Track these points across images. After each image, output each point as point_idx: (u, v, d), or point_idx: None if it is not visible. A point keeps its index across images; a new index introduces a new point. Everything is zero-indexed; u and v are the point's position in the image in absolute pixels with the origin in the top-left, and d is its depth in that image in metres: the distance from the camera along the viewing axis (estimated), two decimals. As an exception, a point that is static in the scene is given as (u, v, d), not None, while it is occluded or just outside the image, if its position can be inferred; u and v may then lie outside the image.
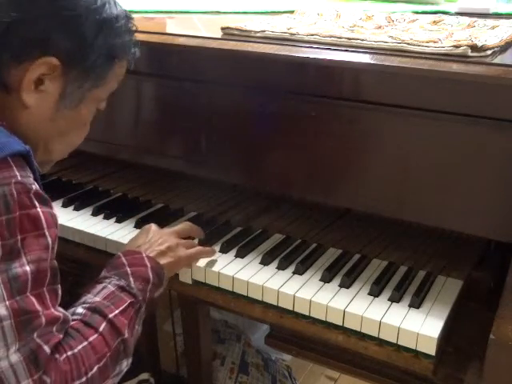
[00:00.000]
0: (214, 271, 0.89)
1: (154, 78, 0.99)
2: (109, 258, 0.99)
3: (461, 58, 0.79)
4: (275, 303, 0.85)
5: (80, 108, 0.75)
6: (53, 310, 0.65)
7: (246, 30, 0.96)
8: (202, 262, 0.91)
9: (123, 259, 0.82)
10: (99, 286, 0.77)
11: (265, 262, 0.91)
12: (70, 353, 0.66)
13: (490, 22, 1.00)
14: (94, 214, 1.07)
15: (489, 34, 0.89)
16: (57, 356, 0.64)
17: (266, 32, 0.94)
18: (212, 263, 0.91)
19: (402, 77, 0.78)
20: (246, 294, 0.87)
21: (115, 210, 1.07)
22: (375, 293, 0.83)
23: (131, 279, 0.79)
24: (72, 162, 1.30)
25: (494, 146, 0.74)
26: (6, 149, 0.62)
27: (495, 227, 0.77)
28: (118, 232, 1.01)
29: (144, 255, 0.83)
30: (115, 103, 1.07)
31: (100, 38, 0.72)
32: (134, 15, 1.21)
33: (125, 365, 0.73)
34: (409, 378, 0.81)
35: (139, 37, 1.01)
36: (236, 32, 0.96)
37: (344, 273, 0.87)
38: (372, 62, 0.81)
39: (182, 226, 0.95)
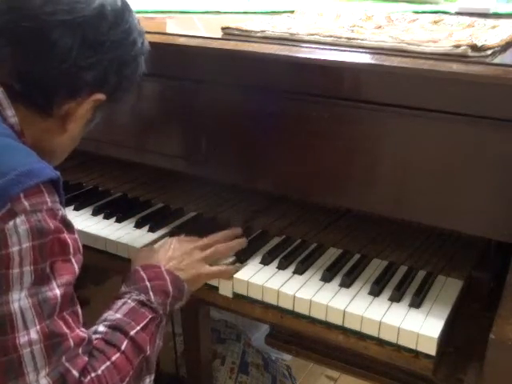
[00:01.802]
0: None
1: (154, 78, 0.98)
2: (109, 258, 1.00)
3: (461, 57, 0.79)
4: (275, 303, 0.85)
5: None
6: (78, 331, 0.66)
7: (246, 30, 0.96)
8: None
9: (142, 273, 0.81)
10: (119, 302, 0.77)
11: (265, 261, 0.91)
12: (93, 374, 0.66)
13: (490, 21, 1.00)
14: (94, 213, 1.07)
15: (489, 34, 0.89)
16: (82, 379, 0.65)
17: (266, 32, 0.94)
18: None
19: (402, 77, 0.78)
20: (246, 294, 0.87)
21: (115, 210, 1.07)
22: (375, 293, 0.83)
23: (151, 293, 0.79)
24: (72, 162, 1.30)
25: (494, 145, 0.74)
26: (42, 175, 0.63)
27: (495, 227, 0.77)
28: (118, 232, 1.01)
29: (163, 269, 0.82)
30: (115, 103, 1.07)
31: (134, 72, 0.78)
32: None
33: (147, 381, 0.74)
34: (409, 378, 0.81)
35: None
36: (236, 32, 0.96)
37: (344, 273, 0.87)
38: (372, 62, 0.81)
39: (216, 242, 0.92)
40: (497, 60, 0.80)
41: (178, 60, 0.96)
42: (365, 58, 0.82)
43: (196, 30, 1.13)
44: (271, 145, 0.92)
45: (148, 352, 0.74)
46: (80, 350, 0.65)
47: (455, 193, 0.79)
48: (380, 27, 0.97)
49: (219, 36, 0.97)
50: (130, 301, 0.77)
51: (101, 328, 0.73)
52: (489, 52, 0.81)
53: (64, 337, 0.63)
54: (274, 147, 0.92)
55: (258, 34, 0.95)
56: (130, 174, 1.22)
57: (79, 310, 0.68)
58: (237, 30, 0.96)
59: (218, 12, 1.26)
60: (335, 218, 1.04)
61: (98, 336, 0.71)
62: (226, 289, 0.89)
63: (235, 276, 0.88)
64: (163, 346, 0.81)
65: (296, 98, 0.87)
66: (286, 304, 0.84)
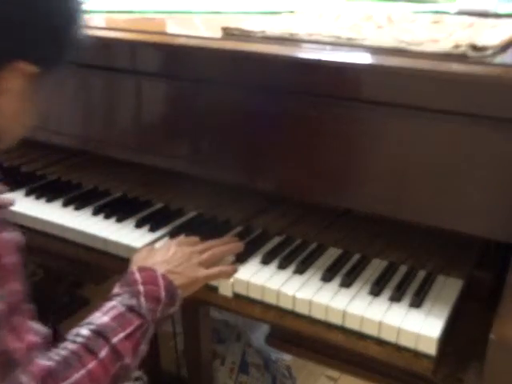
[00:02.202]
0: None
1: (154, 78, 0.99)
2: (109, 258, 1.00)
3: (461, 57, 0.79)
4: (275, 303, 0.85)
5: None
6: (29, 336, 0.64)
7: (246, 30, 0.96)
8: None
9: (137, 276, 0.81)
10: (109, 305, 0.77)
11: (265, 261, 0.91)
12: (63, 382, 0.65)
13: (490, 21, 1.00)
14: (94, 213, 1.07)
15: (489, 34, 0.89)
16: None
17: (266, 32, 0.94)
18: (212, 263, 0.91)
19: (402, 77, 0.78)
20: (246, 294, 0.87)
21: (115, 210, 1.07)
22: (375, 292, 0.83)
23: (142, 299, 0.78)
24: (72, 162, 1.30)
25: (494, 145, 0.74)
26: None
27: (495, 227, 0.77)
28: (118, 232, 1.01)
29: (158, 274, 0.82)
30: (115, 103, 1.07)
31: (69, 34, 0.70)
32: (134, 15, 1.22)
33: None
34: (409, 378, 0.81)
35: (139, 37, 1.02)
36: (236, 32, 0.96)
37: (344, 272, 0.87)
38: (372, 62, 0.82)
39: (214, 247, 0.92)
40: (497, 60, 0.80)
41: (178, 60, 0.96)
42: (365, 58, 0.82)
43: (196, 29, 1.13)
44: (271, 145, 0.92)
45: (128, 361, 0.73)
46: (34, 354, 0.64)
47: (455, 193, 0.79)
48: (380, 27, 0.97)
49: (219, 36, 0.97)
50: (119, 305, 0.76)
51: (84, 331, 0.72)
52: (489, 52, 0.81)
53: (13, 349, 0.62)
54: (274, 147, 0.92)
55: (258, 34, 0.95)
56: (130, 174, 1.22)
57: (30, 308, 0.66)
58: (237, 30, 0.96)
59: (218, 12, 1.26)
60: (335, 217, 1.04)
61: (79, 340, 0.71)
62: (226, 289, 0.89)
63: (235, 276, 0.88)
64: (164, 345, 0.81)
65: (296, 98, 0.87)
66: (285, 304, 0.84)
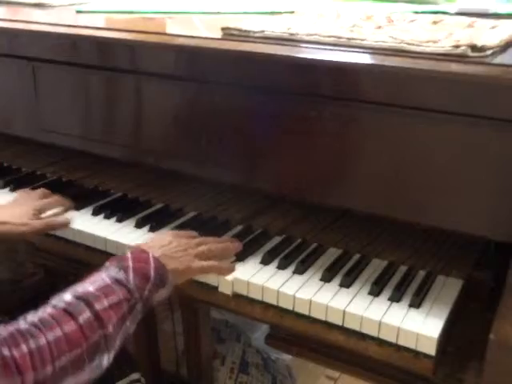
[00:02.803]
0: (214, 271, 0.89)
1: (153, 78, 0.99)
2: (109, 258, 1.00)
3: (461, 58, 0.79)
4: (275, 303, 0.85)
5: None
6: None
7: (246, 30, 0.96)
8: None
9: (128, 254, 0.81)
10: (96, 275, 0.76)
11: (265, 261, 0.91)
12: (33, 341, 0.65)
13: (490, 21, 1.00)
14: (94, 213, 1.08)
15: (489, 34, 0.89)
16: (5, 353, 0.63)
17: (266, 32, 0.94)
18: (212, 263, 0.91)
19: (402, 77, 0.78)
20: (246, 294, 0.87)
21: (115, 210, 1.07)
22: (375, 292, 0.83)
23: (131, 273, 0.77)
24: (72, 162, 1.30)
25: (494, 145, 0.74)
26: None
27: (495, 227, 0.77)
28: (118, 232, 1.01)
29: (150, 255, 0.82)
30: (115, 103, 1.07)
31: None
32: (133, 15, 1.22)
33: (105, 359, 0.71)
34: (409, 378, 0.81)
35: (139, 37, 1.02)
36: (236, 32, 0.96)
37: (344, 273, 0.87)
38: (372, 62, 0.82)
39: (211, 242, 0.93)
40: (497, 60, 0.80)
41: (178, 60, 0.96)
42: (365, 58, 0.82)
43: (196, 29, 1.13)
44: (271, 145, 0.92)
45: (109, 330, 0.71)
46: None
47: (455, 193, 0.79)
48: (380, 27, 0.97)
49: (219, 36, 0.97)
50: (106, 277, 0.76)
51: (67, 297, 0.71)
52: (489, 52, 0.81)
53: None
54: (274, 147, 0.92)
55: (258, 34, 0.95)
56: (130, 174, 1.22)
57: None
58: (237, 30, 0.96)
59: (218, 12, 1.26)
60: (335, 217, 1.04)
61: (60, 305, 0.70)
62: (225, 288, 0.89)
63: (235, 276, 0.88)
64: (164, 345, 0.81)
65: (296, 98, 0.87)
66: (285, 304, 0.84)
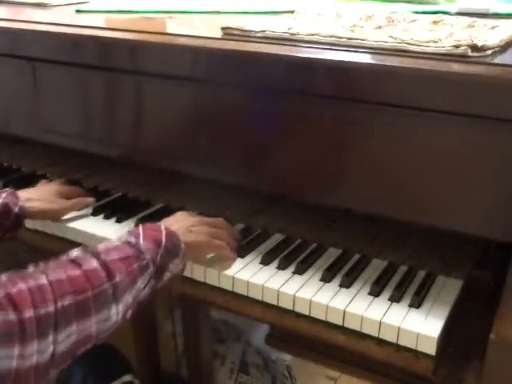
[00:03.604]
0: (215, 271, 0.89)
1: (154, 78, 0.99)
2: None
3: (461, 57, 0.79)
4: (275, 303, 0.85)
5: None
6: None
7: (246, 30, 0.96)
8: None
9: (139, 226, 0.81)
10: (106, 242, 0.77)
11: (265, 261, 0.91)
12: (33, 281, 0.63)
13: (490, 22, 1.00)
14: (94, 214, 1.07)
15: (489, 34, 0.89)
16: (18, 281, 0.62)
17: (266, 32, 0.94)
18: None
19: (402, 77, 0.78)
20: (246, 294, 0.87)
21: (115, 210, 1.07)
22: (375, 293, 0.83)
23: (141, 238, 0.77)
24: (72, 162, 1.30)
25: (494, 145, 0.74)
26: None
27: (495, 227, 0.77)
28: (118, 232, 1.00)
29: (162, 227, 0.82)
30: (115, 103, 1.07)
31: None
32: (133, 15, 1.22)
33: (114, 312, 0.70)
34: (409, 378, 0.81)
35: (139, 37, 1.02)
36: (236, 32, 0.96)
37: (344, 273, 0.87)
38: (372, 61, 0.81)
39: (217, 223, 0.95)
40: (497, 60, 0.80)
41: (178, 60, 0.96)
42: (365, 58, 0.82)
43: (196, 29, 1.13)
44: (271, 145, 0.92)
45: (117, 280, 0.70)
46: None
47: (455, 193, 0.79)
48: (380, 27, 0.97)
49: (219, 36, 0.97)
50: (116, 240, 0.76)
51: (75, 252, 0.71)
52: (489, 52, 0.81)
53: None
54: (274, 147, 0.92)
55: (258, 34, 0.95)
56: (130, 174, 1.22)
57: None
58: (237, 29, 0.96)
59: (218, 12, 1.26)
60: (335, 217, 1.04)
61: (66, 257, 0.70)
62: (225, 287, 0.89)
63: (235, 276, 0.88)
64: (164, 345, 0.81)
65: (296, 98, 0.87)
66: (285, 304, 0.84)
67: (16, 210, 0.94)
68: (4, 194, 0.94)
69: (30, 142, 1.28)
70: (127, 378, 1.04)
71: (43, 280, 0.64)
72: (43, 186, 1.10)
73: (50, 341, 0.61)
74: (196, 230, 0.88)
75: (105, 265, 0.70)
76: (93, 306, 0.66)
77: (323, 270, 0.88)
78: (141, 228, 0.80)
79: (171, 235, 0.81)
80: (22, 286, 0.61)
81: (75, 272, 0.67)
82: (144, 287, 0.75)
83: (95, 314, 0.67)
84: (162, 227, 0.82)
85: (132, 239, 0.77)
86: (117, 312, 0.70)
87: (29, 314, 0.60)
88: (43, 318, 0.61)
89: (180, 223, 0.88)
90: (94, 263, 0.69)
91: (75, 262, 0.68)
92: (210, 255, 0.91)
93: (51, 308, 0.62)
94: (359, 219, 1.02)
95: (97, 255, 0.71)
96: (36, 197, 1.00)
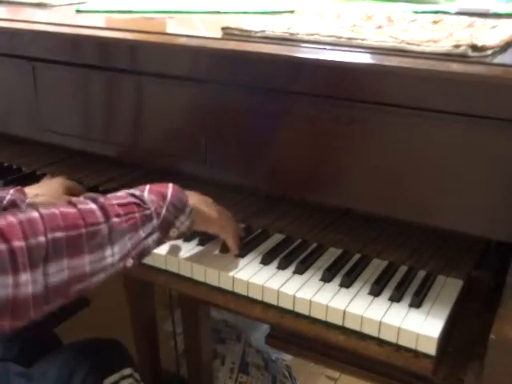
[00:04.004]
0: (215, 271, 0.89)
1: (154, 78, 0.99)
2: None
3: (461, 57, 0.79)
4: (275, 303, 0.85)
5: None
6: None
7: (246, 30, 0.96)
8: (200, 262, 0.91)
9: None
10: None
11: (265, 261, 0.91)
12: (24, 215, 0.63)
13: (490, 21, 1.00)
14: (95, 213, 1.07)
15: (489, 34, 0.89)
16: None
17: (266, 32, 0.94)
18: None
19: (402, 77, 0.78)
20: (246, 294, 0.87)
21: (115, 210, 1.07)
22: (375, 293, 0.83)
23: (146, 191, 0.78)
24: (72, 162, 1.30)
25: (494, 145, 0.74)
26: None
27: (495, 227, 0.77)
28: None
29: (171, 184, 0.82)
30: (115, 103, 1.07)
31: None
32: (133, 15, 1.22)
33: (109, 253, 0.69)
34: (409, 378, 0.81)
35: (139, 37, 1.02)
36: (236, 32, 0.96)
37: (344, 273, 0.87)
38: (372, 61, 0.82)
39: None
40: (497, 60, 0.80)
41: (178, 60, 0.96)
42: (365, 58, 0.82)
43: (196, 29, 1.13)
44: (271, 145, 0.92)
45: (114, 221, 0.70)
46: None
47: (455, 193, 0.79)
48: (380, 27, 0.97)
49: (219, 36, 0.97)
50: (121, 192, 0.76)
51: (74, 198, 0.72)
52: (489, 52, 0.81)
53: None
54: (274, 147, 0.92)
55: (258, 34, 0.95)
56: (130, 175, 1.22)
57: None
58: (237, 30, 0.96)
59: (218, 12, 1.26)
60: (335, 217, 1.04)
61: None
62: (225, 287, 0.89)
63: (235, 276, 0.88)
64: (164, 345, 0.81)
65: (296, 98, 0.87)
66: (285, 304, 0.84)
67: (24, 206, 0.94)
68: (11, 191, 0.94)
69: (30, 142, 1.28)
70: (127, 371, 1.04)
71: (35, 214, 0.64)
72: (48, 182, 1.09)
73: (41, 272, 0.62)
74: (209, 206, 0.89)
75: (102, 207, 0.70)
76: (86, 243, 0.67)
77: (323, 270, 0.88)
78: (148, 185, 0.81)
79: (178, 192, 0.81)
80: (12, 219, 0.62)
81: (69, 210, 0.67)
82: (146, 237, 0.75)
83: (89, 253, 0.67)
84: (170, 184, 0.82)
85: (137, 192, 0.77)
86: (112, 253, 0.70)
87: (19, 243, 0.60)
88: (34, 248, 0.62)
89: (197, 195, 0.88)
90: (90, 205, 0.70)
91: (71, 203, 0.69)
92: (215, 251, 0.93)
93: (42, 239, 0.62)
94: (359, 219, 1.02)
95: (95, 200, 0.71)
96: (42, 193, 1.00)
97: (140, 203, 0.75)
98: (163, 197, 0.79)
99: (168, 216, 0.78)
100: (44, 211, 0.65)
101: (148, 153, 1.06)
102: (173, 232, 0.81)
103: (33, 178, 1.23)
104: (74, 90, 1.10)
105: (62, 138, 1.14)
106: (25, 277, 0.60)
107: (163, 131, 1.04)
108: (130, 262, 0.74)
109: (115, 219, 0.70)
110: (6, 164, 1.33)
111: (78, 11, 1.28)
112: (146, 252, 0.76)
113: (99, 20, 1.24)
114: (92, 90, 1.09)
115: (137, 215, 0.74)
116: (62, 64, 1.07)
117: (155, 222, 0.76)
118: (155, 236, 0.77)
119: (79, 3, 1.37)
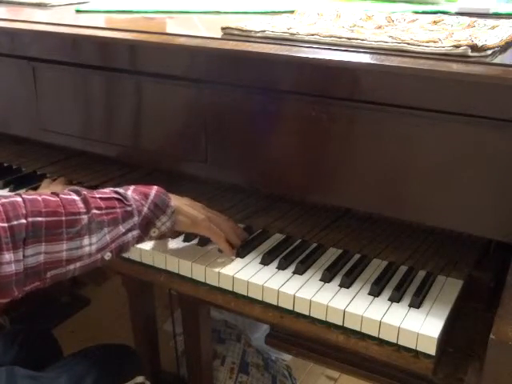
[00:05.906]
0: (215, 271, 0.89)
1: (154, 78, 0.99)
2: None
3: (461, 57, 0.79)
4: (275, 303, 0.85)
5: None
6: None
7: (246, 30, 0.96)
8: (200, 262, 0.91)
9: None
10: None
11: (265, 261, 0.91)
12: (7, 199, 0.66)
13: (490, 21, 1.00)
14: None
15: (489, 34, 0.89)
16: None
17: (266, 32, 0.94)
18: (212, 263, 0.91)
19: (402, 77, 0.78)
20: (246, 294, 0.87)
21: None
22: (375, 293, 0.83)
23: (130, 190, 0.80)
24: (72, 162, 1.30)
25: (494, 145, 0.74)
26: None
27: (495, 227, 0.78)
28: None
29: (155, 186, 0.84)
30: (115, 103, 1.07)
31: None
32: (133, 15, 1.22)
33: (86, 243, 0.72)
34: (409, 378, 0.81)
35: (139, 37, 1.02)
36: (236, 32, 0.96)
37: (344, 273, 0.87)
38: (372, 61, 0.82)
39: (221, 218, 0.95)
40: (497, 60, 0.80)
41: (178, 60, 0.96)
42: (365, 58, 0.82)
43: (196, 29, 1.13)
44: (271, 145, 0.92)
45: (94, 212, 0.72)
46: None
47: (455, 193, 0.79)
48: (380, 27, 0.97)
49: (219, 36, 0.97)
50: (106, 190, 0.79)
51: (59, 190, 0.74)
52: (489, 52, 0.81)
53: None
54: (274, 147, 0.92)
55: (258, 34, 0.95)
56: (130, 175, 1.22)
57: None
58: (237, 29, 0.96)
59: (218, 12, 1.26)
60: (335, 217, 1.04)
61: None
62: (225, 286, 0.89)
63: (235, 276, 0.88)
64: (164, 345, 0.81)
65: (296, 98, 0.87)
66: (285, 304, 0.84)
67: None
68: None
69: (30, 142, 1.28)
70: (139, 379, 1.04)
71: (18, 198, 0.67)
72: (48, 186, 1.09)
73: (21, 253, 0.65)
74: (197, 209, 0.90)
75: (84, 199, 0.73)
76: (65, 231, 0.69)
77: (323, 270, 0.88)
78: (133, 185, 0.83)
79: (161, 193, 0.83)
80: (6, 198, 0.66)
81: (51, 198, 0.70)
82: (125, 233, 0.77)
83: (67, 241, 0.69)
84: (155, 186, 0.84)
85: (121, 190, 0.80)
86: (90, 243, 0.72)
87: (2, 224, 0.64)
88: (16, 229, 0.65)
89: (184, 199, 0.90)
90: (73, 196, 0.72)
91: (55, 194, 0.72)
92: (210, 247, 0.93)
93: (23, 221, 0.65)
94: (359, 219, 1.02)
95: (78, 192, 0.74)
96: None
97: (122, 199, 0.78)
98: (146, 196, 0.81)
99: (149, 214, 0.80)
100: (27, 197, 0.68)
101: (148, 153, 1.06)
102: (153, 232, 0.83)
103: (33, 178, 1.23)
104: (74, 90, 1.10)
105: (62, 138, 1.14)
106: (8, 256, 0.63)
107: (163, 131, 1.04)
108: (108, 255, 0.76)
109: (96, 211, 0.73)
110: (5, 164, 1.33)
111: (78, 11, 1.28)
112: (124, 247, 0.78)
113: (99, 20, 1.24)
114: (92, 90, 1.09)
115: (118, 210, 0.76)
116: (61, 64, 1.08)
117: (136, 219, 0.78)
118: (135, 233, 0.79)
119: (79, 3, 1.37)
